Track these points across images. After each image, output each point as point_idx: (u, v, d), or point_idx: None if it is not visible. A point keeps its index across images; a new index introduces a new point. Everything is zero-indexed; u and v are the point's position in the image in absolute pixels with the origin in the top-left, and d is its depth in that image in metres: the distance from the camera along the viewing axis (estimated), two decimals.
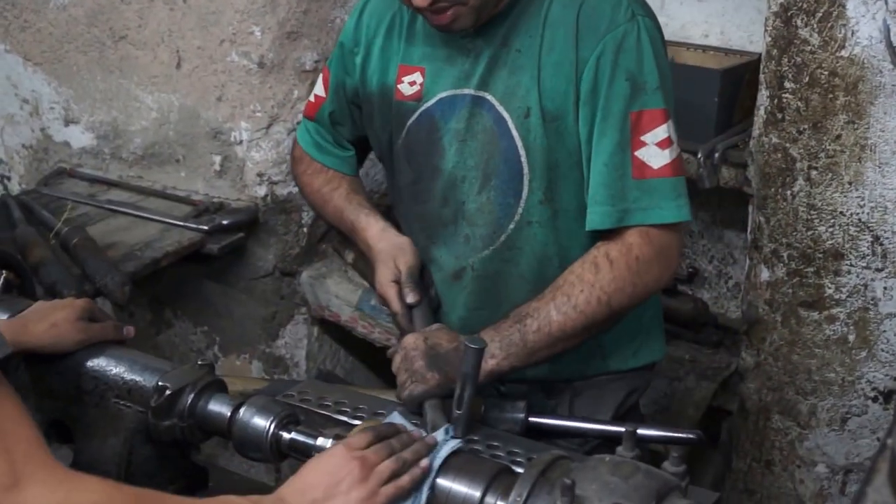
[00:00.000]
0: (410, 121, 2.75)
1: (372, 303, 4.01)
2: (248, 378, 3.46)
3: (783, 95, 3.37)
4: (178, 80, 4.18)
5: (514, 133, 2.61)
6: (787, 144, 3.39)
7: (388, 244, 2.79)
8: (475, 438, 2.36)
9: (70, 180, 4.37)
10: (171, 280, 4.28)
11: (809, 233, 3.42)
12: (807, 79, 3.32)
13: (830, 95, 3.30)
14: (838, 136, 3.32)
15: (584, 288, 2.50)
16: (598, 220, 2.57)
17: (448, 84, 2.70)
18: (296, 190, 4.07)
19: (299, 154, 3.08)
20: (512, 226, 2.68)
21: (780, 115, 3.39)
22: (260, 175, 4.13)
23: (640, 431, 2.17)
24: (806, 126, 3.36)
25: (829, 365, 3.53)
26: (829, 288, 3.46)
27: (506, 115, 2.62)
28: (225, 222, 4.01)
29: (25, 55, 4.45)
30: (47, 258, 3.49)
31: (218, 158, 4.19)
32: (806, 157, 3.37)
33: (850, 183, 3.33)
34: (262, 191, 4.15)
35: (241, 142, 4.13)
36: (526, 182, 2.64)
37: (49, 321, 2.42)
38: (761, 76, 3.45)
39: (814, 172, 3.37)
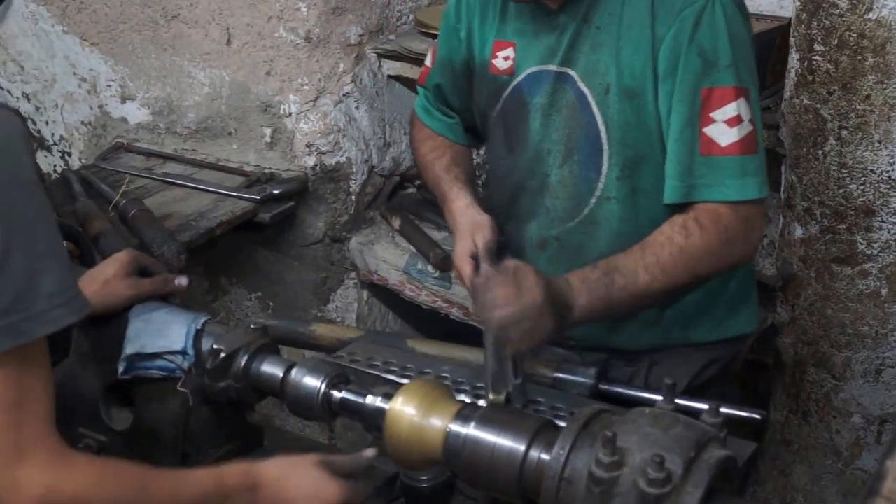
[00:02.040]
0: (504, 94, 2.75)
1: (418, 267, 4.00)
2: (346, 328, 3.43)
3: (813, 58, 3.32)
4: (228, 56, 4.17)
5: (595, 109, 2.59)
6: (818, 105, 3.34)
7: (469, 220, 2.74)
8: (540, 399, 2.35)
9: (127, 155, 4.38)
10: (226, 249, 4.29)
11: (841, 190, 3.38)
12: (836, 41, 3.27)
13: (859, 57, 3.25)
14: (867, 97, 3.27)
15: (672, 251, 2.45)
16: (669, 195, 2.53)
17: (535, 59, 2.68)
18: (343, 159, 4.09)
19: (413, 118, 3.11)
20: (593, 200, 2.65)
21: (810, 78, 3.34)
22: (309, 146, 4.13)
23: (701, 406, 2.16)
24: (836, 87, 3.31)
25: (862, 318, 3.49)
26: (861, 244, 3.41)
27: (587, 91, 2.59)
28: (276, 192, 4.01)
29: (82, 36, 4.46)
30: (106, 229, 3.49)
31: (268, 131, 4.19)
32: (836, 117, 3.33)
33: (879, 141, 3.28)
34: (311, 161, 4.14)
35: (290, 114, 4.13)
36: (605, 158, 2.61)
37: (100, 281, 2.40)
38: (791, 40, 3.40)
39: (844, 132, 3.33)
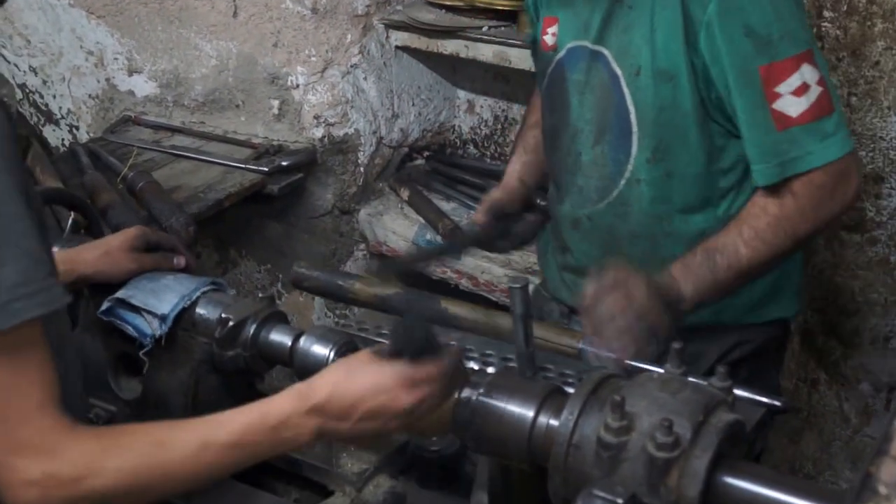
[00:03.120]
0: (550, 69, 2.74)
1: (427, 237, 4.00)
2: (386, 284, 3.41)
3: (822, 24, 3.31)
4: (235, 28, 4.16)
5: (625, 90, 2.56)
6: (827, 72, 3.33)
7: (505, 181, 2.93)
8: (568, 372, 2.34)
9: (135, 127, 4.38)
10: (235, 221, 4.29)
11: None
12: (845, 7, 3.26)
13: (868, 23, 3.23)
14: (877, 63, 3.25)
15: (769, 220, 2.43)
16: (761, 179, 2.48)
17: (573, 35, 2.67)
18: (351, 131, 4.09)
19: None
20: (622, 182, 2.63)
21: (819, 44, 3.32)
22: (317, 117, 4.12)
23: (744, 394, 2.17)
24: (845, 53, 3.30)
25: (871, 286, 3.49)
26: (871, 211, 3.41)
27: (619, 71, 2.56)
28: (284, 163, 4.01)
29: (88, 8, 4.45)
30: (115, 202, 3.50)
31: (276, 102, 4.18)
32: (846, 83, 3.31)
33: (888, 108, 3.27)
34: (319, 132, 4.14)
35: (297, 86, 4.12)
36: (635, 140, 2.58)
37: (102, 249, 2.39)
38: None
39: (853, 99, 3.31)
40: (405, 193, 4.22)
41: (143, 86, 4.45)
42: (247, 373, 2.40)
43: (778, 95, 2.41)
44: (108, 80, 4.53)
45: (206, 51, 4.25)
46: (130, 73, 4.46)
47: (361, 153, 4.19)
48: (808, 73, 2.42)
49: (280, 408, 1.84)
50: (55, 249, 2.41)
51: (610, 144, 2.62)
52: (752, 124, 2.45)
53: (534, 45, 2.90)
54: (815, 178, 2.44)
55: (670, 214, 2.62)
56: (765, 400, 2.33)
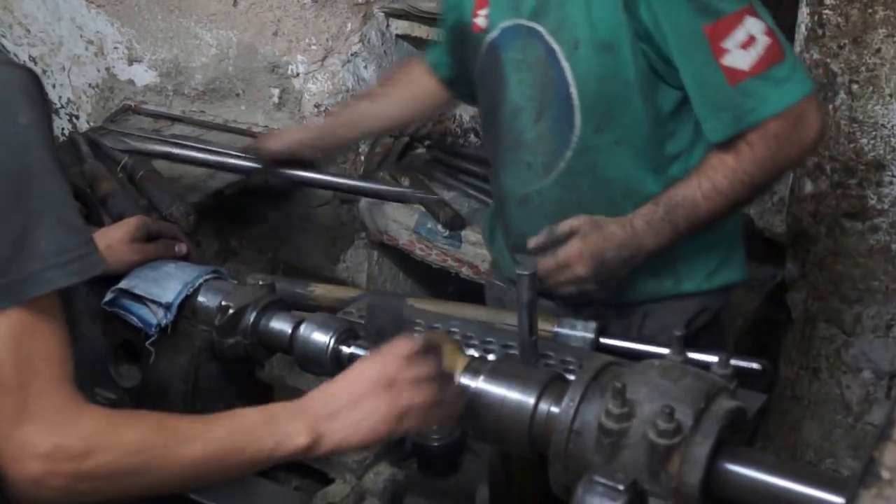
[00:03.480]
0: (482, 51, 2.73)
1: (428, 226, 3.99)
2: (346, 287, 3.44)
3: (823, 12, 3.29)
4: (235, 16, 4.15)
5: (564, 65, 2.55)
6: (828, 60, 3.32)
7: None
8: (569, 360, 2.34)
9: (135, 117, 4.37)
10: (235, 211, 4.27)
11: (851, 145, 3.36)
12: None
13: (870, 10, 3.22)
14: (878, 50, 3.24)
15: (726, 172, 2.46)
16: (715, 134, 2.50)
17: (506, 14, 2.65)
18: None
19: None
20: (570, 153, 2.63)
21: (820, 32, 3.32)
22: (317, 106, 4.12)
23: (700, 357, 2.16)
24: (846, 41, 3.28)
25: (872, 273, 3.48)
26: (872, 199, 3.40)
27: (556, 46, 2.56)
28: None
29: None
30: (114, 190, 3.48)
31: (276, 91, 4.18)
32: (847, 71, 3.30)
33: (890, 95, 3.26)
34: (319, 121, 4.12)
35: (297, 74, 4.11)
36: (577, 112, 2.58)
37: (104, 243, 2.38)
38: None
39: (855, 86, 3.30)
40: (406, 182, 4.21)
41: (143, 75, 4.45)
42: (247, 360, 2.39)
43: (725, 51, 2.42)
44: (108, 69, 4.52)
45: (206, 40, 4.24)
46: (130, 62, 4.45)
47: (362, 142, 4.17)
48: (752, 25, 2.43)
49: (272, 408, 1.87)
50: None
51: (553, 119, 2.62)
52: (703, 83, 2.47)
53: (453, 27, 2.91)
54: (770, 127, 2.45)
55: (621, 181, 2.63)
56: (744, 364, 2.34)
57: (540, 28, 2.58)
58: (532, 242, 2.48)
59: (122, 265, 2.40)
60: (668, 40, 2.45)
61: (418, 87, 3.17)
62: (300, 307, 2.84)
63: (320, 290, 2.81)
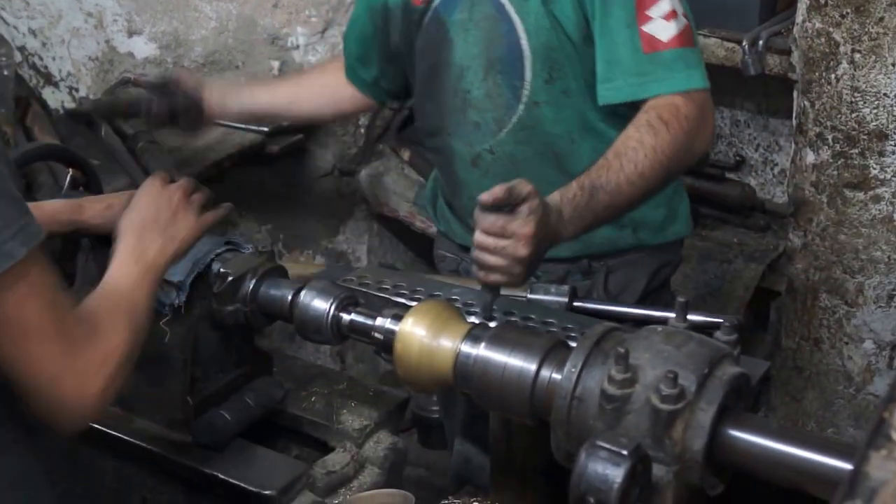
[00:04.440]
0: (425, 21, 2.72)
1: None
2: (306, 263, 3.43)
3: None
4: None
5: (514, 17, 2.57)
6: (831, 29, 3.28)
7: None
8: (531, 316, 2.31)
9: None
10: (235, 182, 4.25)
11: (854, 115, 3.33)
12: None
13: None
14: (881, 19, 3.21)
15: (647, 153, 2.39)
16: (612, 95, 2.51)
17: None
18: None
19: None
20: (521, 107, 2.64)
21: (822, 1, 3.28)
22: None
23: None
24: (849, 10, 3.25)
25: (875, 243, 3.46)
26: (874, 168, 3.37)
27: (505, 1, 2.58)
28: (285, 123, 3.95)
29: None
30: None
31: (276, 63, 4.14)
32: (849, 40, 3.27)
33: (893, 64, 3.23)
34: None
35: (297, 46, 4.08)
36: (528, 64, 2.60)
37: (105, 203, 2.38)
38: None
39: (857, 55, 3.27)
40: (406, 154, 4.19)
41: (142, 47, 4.40)
42: (246, 328, 2.37)
43: (649, 18, 2.46)
44: (107, 41, 4.47)
45: (206, 12, 4.20)
46: (130, 34, 4.41)
47: (362, 114, 4.14)
48: (676, 1, 2.49)
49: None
50: (58, 200, 2.42)
51: (502, 74, 2.63)
52: (617, 42, 2.48)
53: (374, 14, 2.89)
54: (681, 107, 2.44)
55: (573, 130, 2.65)
56: (720, 321, 2.28)
57: None
58: (486, 196, 2.37)
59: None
60: None
61: (336, 89, 3.11)
62: None
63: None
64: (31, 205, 2.05)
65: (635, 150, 2.41)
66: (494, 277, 2.20)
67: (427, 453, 3.41)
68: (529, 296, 2.46)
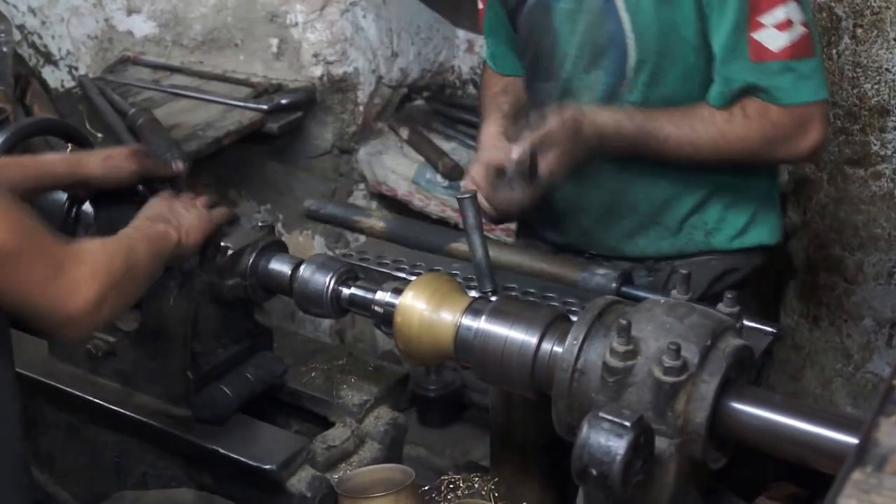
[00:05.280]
0: (529, 3, 2.65)
1: (427, 176, 3.95)
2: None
3: None
4: None
5: (623, 14, 2.48)
6: (833, 3, 3.26)
7: (487, 146, 2.64)
8: (531, 291, 2.29)
9: (134, 67, 4.31)
10: (234, 161, 4.23)
11: (855, 90, 3.30)
12: None
13: None
14: None
15: (709, 130, 2.42)
16: (717, 99, 2.46)
17: None
18: (350, 69, 4.03)
19: (483, 67, 3.05)
20: (618, 106, 2.53)
21: None
22: (316, 55, 4.05)
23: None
24: None
25: (875, 220, 3.43)
26: (875, 144, 3.34)
27: None
28: (283, 102, 3.94)
29: None
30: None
31: (275, 41, 4.11)
32: (851, 15, 3.24)
33: (895, 39, 3.20)
34: (318, 71, 4.07)
35: (296, 24, 4.05)
36: (631, 63, 2.51)
37: (104, 154, 2.38)
38: None
39: (859, 30, 3.24)
40: (405, 133, 4.16)
41: (141, 26, 4.38)
42: (246, 302, 2.36)
43: (760, 25, 2.38)
44: (106, 20, 4.45)
45: None
46: (129, 13, 4.39)
47: (361, 92, 4.13)
48: (793, 10, 2.39)
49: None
50: (55, 154, 2.46)
51: (605, 70, 2.55)
52: (727, 47, 2.42)
53: None
54: (773, 113, 2.41)
55: None
56: (759, 326, 2.26)
57: None
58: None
59: (123, 174, 2.37)
60: None
61: (513, 86, 2.93)
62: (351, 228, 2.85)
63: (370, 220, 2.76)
64: (29, 158, 2.09)
65: (702, 119, 2.43)
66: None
67: (426, 432, 3.38)
68: (580, 274, 2.43)
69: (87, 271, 1.86)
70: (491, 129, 2.66)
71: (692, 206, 2.64)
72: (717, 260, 2.72)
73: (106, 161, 2.34)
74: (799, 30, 2.39)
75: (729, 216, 2.67)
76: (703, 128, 2.42)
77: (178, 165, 2.52)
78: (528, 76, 2.77)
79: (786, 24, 2.38)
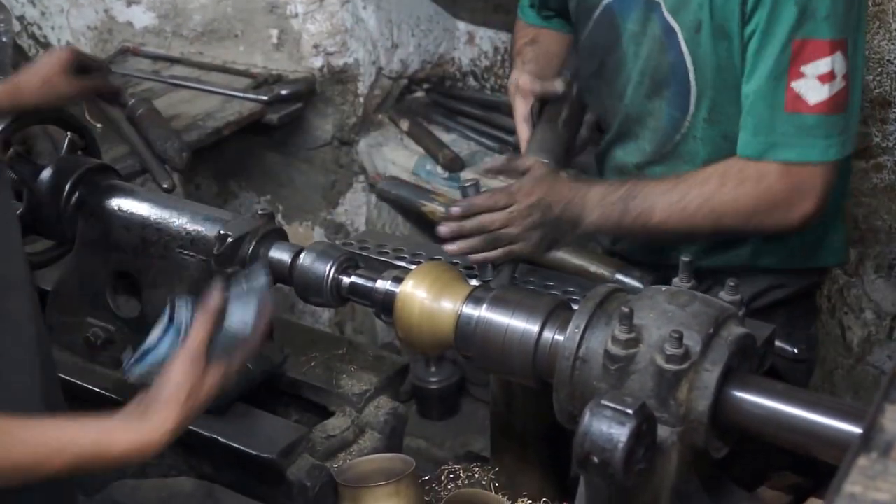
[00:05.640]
0: (596, 13, 2.56)
1: (427, 168, 3.94)
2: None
3: None
4: None
5: (683, 47, 2.38)
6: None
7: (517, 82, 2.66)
8: (531, 279, 2.29)
9: (134, 58, 4.29)
10: (234, 152, 4.23)
11: None
12: None
13: None
14: None
15: (699, 196, 2.31)
16: (745, 148, 2.33)
17: None
18: (350, 60, 4.02)
19: (516, 21, 2.95)
20: (678, 136, 2.49)
21: None
22: (316, 46, 4.04)
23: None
24: None
25: (875, 213, 3.42)
26: (877, 136, 3.33)
27: (675, 26, 2.39)
28: (283, 92, 3.93)
29: None
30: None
31: (275, 32, 4.10)
32: None
33: None
34: (318, 62, 4.06)
35: (296, 15, 4.04)
36: (693, 98, 2.42)
37: (40, 77, 2.35)
38: None
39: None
40: (405, 125, 4.15)
41: (141, 16, 4.37)
42: None
43: (801, 75, 2.25)
44: (106, 11, 4.44)
45: None
46: (129, 3, 4.37)
47: (361, 83, 4.12)
48: (838, 62, 2.25)
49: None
50: None
51: (667, 100, 2.47)
52: (763, 92, 2.30)
53: None
54: (770, 176, 2.30)
55: None
56: (778, 344, 2.21)
57: (660, 2, 2.41)
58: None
59: (62, 99, 2.38)
60: (756, 35, 2.29)
61: (545, 37, 2.88)
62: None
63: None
64: None
65: (691, 186, 2.33)
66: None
67: (426, 425, 3.38)
68: (616, 275, 2.41)
69: None
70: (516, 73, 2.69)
71: None
72: (763, 275, 2.62)
73: (44, 85, 2.31)
74: (839, 84, 2.25)
75: (780, 238, 2.53)
76: (692, 194, 2.32)
77: (117, 81, 2.48)
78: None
79: (828, 77, 2.24)
